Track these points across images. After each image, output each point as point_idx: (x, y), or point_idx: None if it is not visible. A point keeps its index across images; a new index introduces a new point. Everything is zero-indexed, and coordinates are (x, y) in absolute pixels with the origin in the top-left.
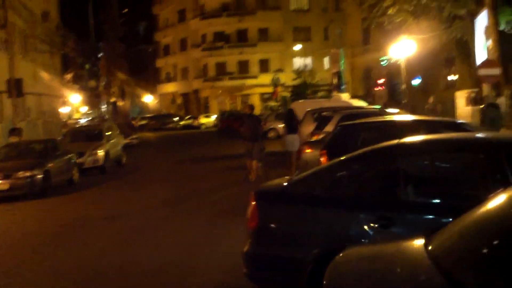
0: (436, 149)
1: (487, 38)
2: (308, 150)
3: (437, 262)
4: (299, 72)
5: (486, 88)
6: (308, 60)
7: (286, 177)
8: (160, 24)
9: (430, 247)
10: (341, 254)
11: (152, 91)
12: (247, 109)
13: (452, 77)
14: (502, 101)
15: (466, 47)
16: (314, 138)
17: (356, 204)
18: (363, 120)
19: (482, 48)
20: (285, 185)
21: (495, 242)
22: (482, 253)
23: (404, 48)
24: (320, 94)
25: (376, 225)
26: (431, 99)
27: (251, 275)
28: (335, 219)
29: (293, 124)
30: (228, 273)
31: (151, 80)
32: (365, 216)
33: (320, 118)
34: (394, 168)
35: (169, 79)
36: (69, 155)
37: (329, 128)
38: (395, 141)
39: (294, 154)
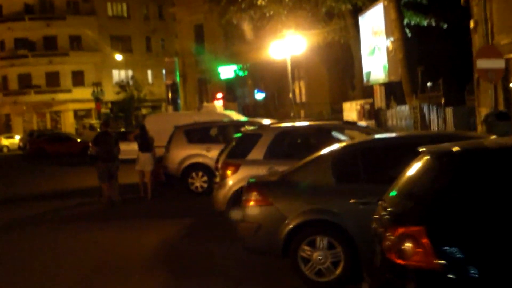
0: None
1: (388, 37)
2: (254, 202)
3: None
4: (122, 86)
5: (378, 99)
6: (129, 73)
7: None
8: None
9: None
10: None
11: None
12: (103, 126)
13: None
14: (405, 112)
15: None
16: (230, 170)
17: None
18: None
19: (368, 53)
20: None
21: None
22: None
23: (290, 45)
24: (144, 110)
25: None
26: (302, 114)
27: None
28: None
29: (146, 141)
30: None
31: None
32: None
33: (242, 137)
34: None
35: None
36: None
37: (258, 153)
38: None
39: (148, 174)
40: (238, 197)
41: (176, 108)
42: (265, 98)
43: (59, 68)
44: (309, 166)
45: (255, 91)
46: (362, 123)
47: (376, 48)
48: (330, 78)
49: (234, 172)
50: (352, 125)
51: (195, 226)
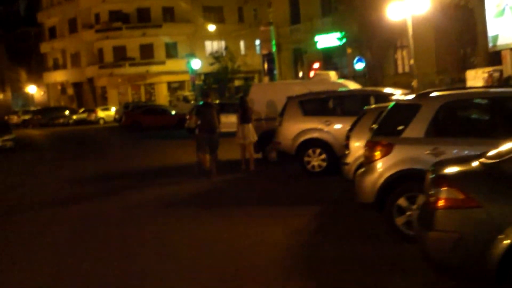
0: None
1: None
2: (449, 202)
3: None
4: (217, 57)
5: (508, 65)
6: (222, 44)
7: None
8: (44, 3)
9: None
10: None
11: (37, 80)
12: (204, 97)
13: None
14: None
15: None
16: (380, 151)
17: None
18: None
19: (496, 14)
20: None
21: None
22: None
23: (412, 5)
24: (237, 82)
25: None
26: (415, 83)
27: None
28: None
29: (246, 112)
30: None
31: (35, 68)
32: None
33: (393, 109)
34: None
35: (57, 67)
36: None
37: (417, 130)
38: None
39: (251, 146)
40: (391, 186)
41: (272, 79)
42: (364, 68)
43: (152, 40)
44: None
45: (355, 60)
46: None
47: (506, 7)
48: (438, 45)
49: (386, 153)
50: None
51: (326, 218)
